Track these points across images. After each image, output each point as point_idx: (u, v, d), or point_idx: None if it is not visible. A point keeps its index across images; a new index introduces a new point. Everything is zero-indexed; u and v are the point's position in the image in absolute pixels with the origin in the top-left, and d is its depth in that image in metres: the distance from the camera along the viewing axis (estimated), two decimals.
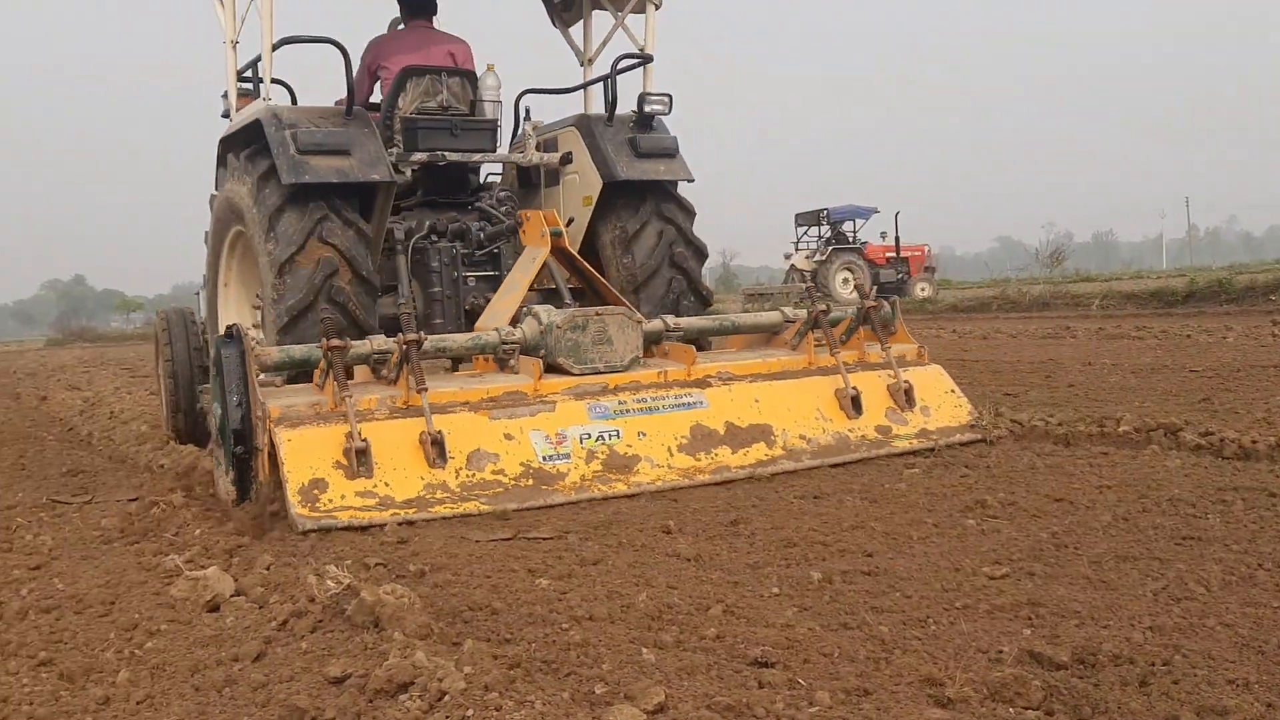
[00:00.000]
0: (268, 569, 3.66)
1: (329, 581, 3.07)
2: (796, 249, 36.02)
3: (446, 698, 2.31)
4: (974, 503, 4.20)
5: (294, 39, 6.16)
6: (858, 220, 35.75)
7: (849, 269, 34.57)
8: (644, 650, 2.68)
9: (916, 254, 36.01)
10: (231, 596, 3.40)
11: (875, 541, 3.72)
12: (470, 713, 2.25)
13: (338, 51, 6.17)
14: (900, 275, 35.35)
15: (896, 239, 35.48)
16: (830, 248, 34.73)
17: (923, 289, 34.88)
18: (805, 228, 36.07)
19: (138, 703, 2.61)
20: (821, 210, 35.59)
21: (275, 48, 6.06)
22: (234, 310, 6.73)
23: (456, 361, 6.44)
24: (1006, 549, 3.52)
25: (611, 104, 6.94)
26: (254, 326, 5.42)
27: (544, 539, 4.08)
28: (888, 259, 35.29)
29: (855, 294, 32.06)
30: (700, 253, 7.00)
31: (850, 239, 35.47)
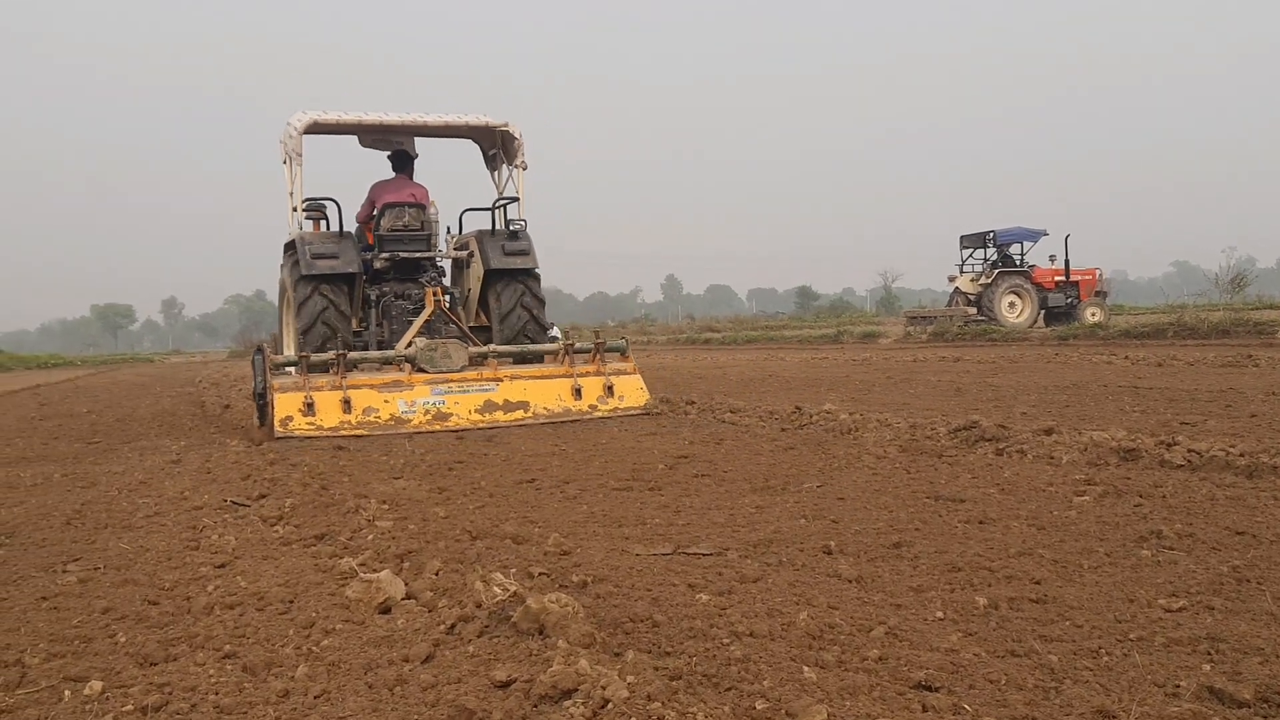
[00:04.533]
0: (437, 574, 3.77)
1: (495, 589, 3.14)
2: (961, 271, 35.29)
3: (610, 705, 2.34)
4: (1149, 533, 4.05)
5: (311, 199, 11.64)
6: (1025, 243, 34.80)
7: (1015, 293, 33.74)
8: (805, 669, 2.67)
9: (1087, 278, 34.85)
10: (402, 600, 3.51)
11: (1044, 569, 3.62)
12: None
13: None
14: (1069, 300, 34.32)
15: (1066, 262, 34.43)
16: (996, 270, 33.91)
17: (1093, 314, 33.74)
18: (970, 250, 35.32)
19: (315, 697, 2.72)
20: (988, 232, 34.81)
21: (299, 205, 11.34)
22: (289, 335, 12.08)
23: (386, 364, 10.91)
24: (1184, 581, 3.39)
25: (494, 224, 12.27)
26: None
27: (704, 555, 4.09)
28: (1056, 283, 34.29)
29: (1021, 318, 31.14)
30: (540, 312, 11.93)
31: (1017, 262, 34.56)
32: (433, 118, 11.67)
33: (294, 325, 11.27)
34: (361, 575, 3.57)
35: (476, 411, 10.05)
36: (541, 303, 11.90)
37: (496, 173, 12.54)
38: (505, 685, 2.65)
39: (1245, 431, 7.00)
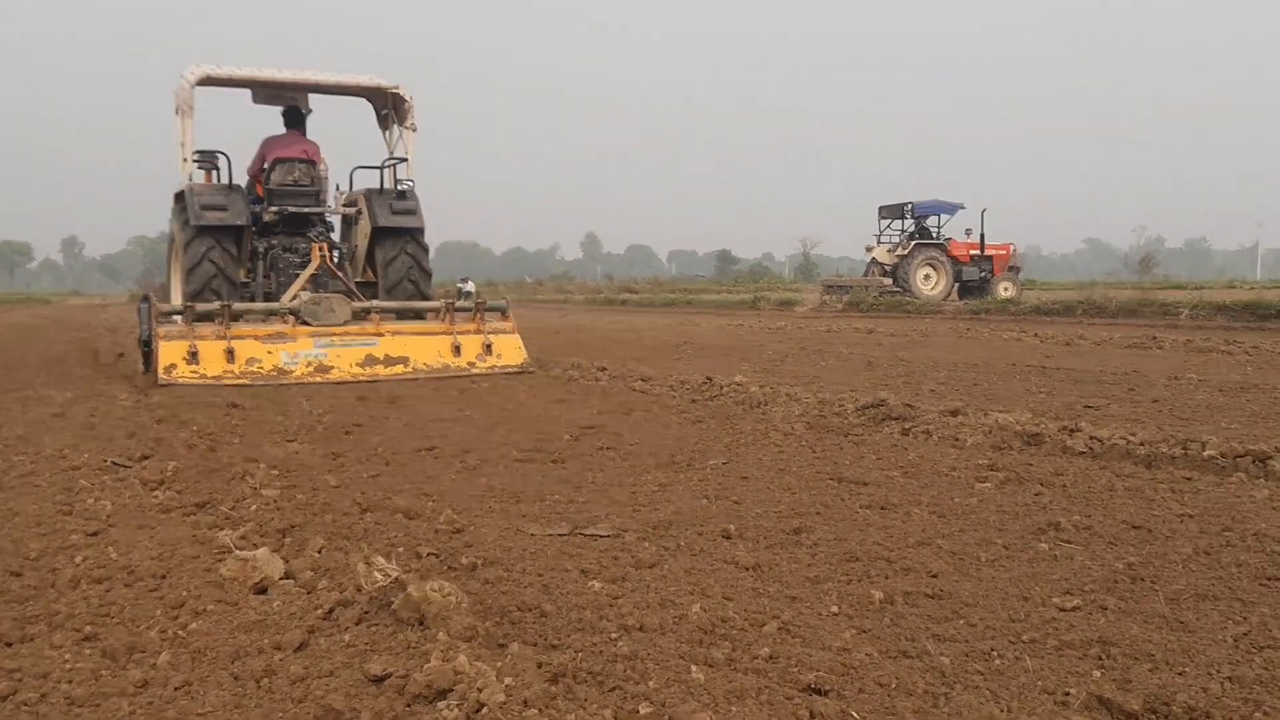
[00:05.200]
0: (319, 552, 3.62)
1: (377, 574, 3.01)
2: (879, 242, 35.56)
3: (485, 710, 2.22)
4: (1047, 524, 4.03)
5: (201, 152, 11.78)
6: (942, 216, 35.20)
7: (931, 265, 34.11)
8: (693, 668, 2.57)
9: (1001, 253, 35.36)
10: (280, 579, 3.36)
11: (941, 561, 3.57)
12: None
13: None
14: (983, 274, 34.79)
15: (982, 236, 34.89)
16: (913, 243, 34.23)
17: (1006, 289, 34.26)
18: (888, 221, 35.62)
19: (175, 689, 2.56)
20: (906, 204, 35.12)
21: (189, 156, 11.54)
22: (176, 284, 12.01)
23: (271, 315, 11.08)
24: (1079, 578, 3.36)
25: (382, 182, 12.52)
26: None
27: (601, 536, 3.99)
28: (971, 257, 34.74)
29: (936, 291, 31.48)
30: (425, 268, 12.34)
31: (934, 235, 34.91)
32: (326, 76, 12.04)
33: (181, 275, 11.44)
34: (238, 553, 3.40)
35: (358, 365, 10.37)
36: (426, 269, 12.36)
37: (388, 132, 12.83)
38: (379, 680, 2.53)
39: (1146, 417, 7.07)
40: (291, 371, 10.07)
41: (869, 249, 35.67)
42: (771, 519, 4.23)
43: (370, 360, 10.46)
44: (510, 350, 11.16)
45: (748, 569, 3.53)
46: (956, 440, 6.09)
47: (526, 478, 5.25)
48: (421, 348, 10.78)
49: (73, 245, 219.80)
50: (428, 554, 3.65)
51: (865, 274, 35.89)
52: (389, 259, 12.13)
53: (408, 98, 12.30)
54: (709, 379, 9.01)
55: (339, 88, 12.31)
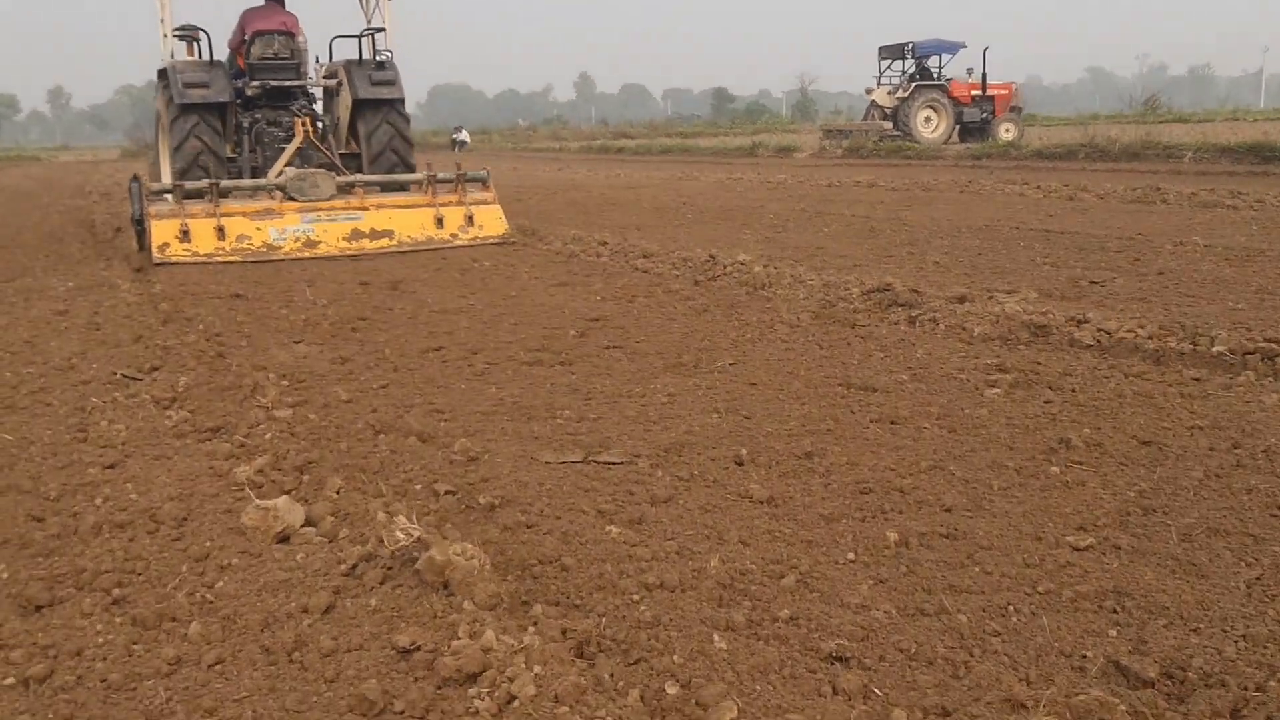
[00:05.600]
0: (338, 493, 3.64)
1: (399, 533, 3.03)
2: (879, 84, 34.91)
3: (515, 703, 2.27)
4: (1058, 442, 4.05)
5: (181, 27, 12.01)
6: (944, 55, 34.45)
7: (931, 107, 33.56)
8: (715, 635, 2.62)
9: (1003, 92, 34.72)
10: (301, 527, 3.39)
11: (954, 491, 3.60)
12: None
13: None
14: (985, 114, 34.23)
15: (984, 76, 34.21)
16: (914, 84, 33.61)
17: (1007, 130, 33.77)
18: (889, 61, 34.87)
19: (208, 667, 2.61)
20: (906, 44, 34.32)
21: (170, 32, 11.80)
22: (165, 162, 12.05)
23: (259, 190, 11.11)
24: (1091, 511, 3.40)
25: (360, 53, 12.67)
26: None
27: (614, 464, 4.01)
28: (973, 97, 34.12)
29: (936, 134, 31.06)
30: (406, 138, 12.48)
31: (935, 75, 34.25)
32: None
33: (169, 152, 11.71)
34: (258, 502, 3.42)
35: (344, 239, 10.72)
36: (408, 141, 12.60)
37: (365, 2, 12.96)
38: (408, 653, 2.57)
39: (1153, 294, 7.06)
40: (280, 247, 10.42)
41: (868, 91, 35.06)
42: (782, 439, 4.25)
43: (356, 234, 10.79)
44: (491, 221, 11.41)
45: (762, 503, 3.56)
46: (964, 330, 6.09)
47: (535, 386, 5.26)
48: (406, 220, 11.06)
49: (59, 96, 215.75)
50: (445, 492, 3.69)
51: (865, 117, 35.34)
52: (371, 130, 12.27)
53: None
54: (712, 256, 8.95)
55: None
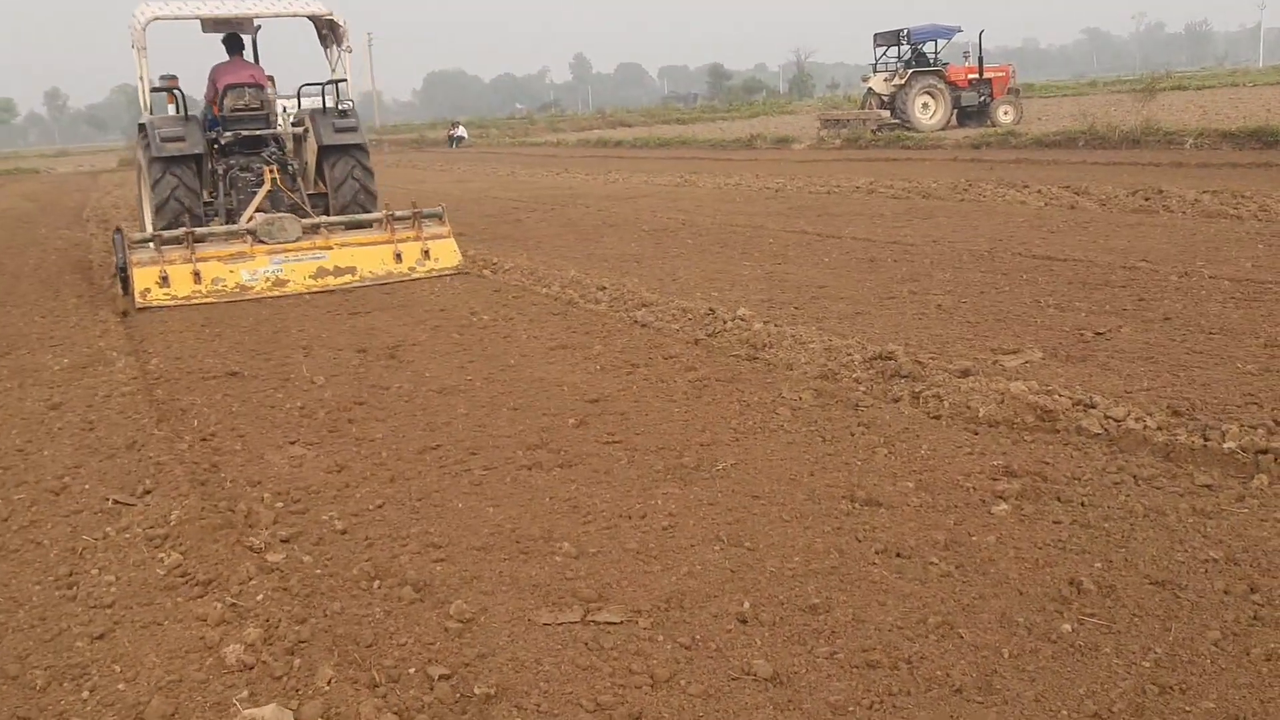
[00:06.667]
0: (329, 684, 3.54)
1: None
2: (875, 71, 34.69)
3: None
4: (1069, 584, 3.94)
5: (156, 88, 13.01)
6: (940, 40, 34.24)
7: (929, 93, 33.39)
8: None
9: (1000, 75, 34.59)
10: None
11: (964, 663, 3.49)
12: None
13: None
14: (982, 98, 34.10)
15: (980, 59, 34.07)
16: (910, 70, 33.39)
17: (1006, 112, 33.64)
18: (884, 48, 34.66)
19: None
20: (901, 30, 34.09)
21: (151, 90, 12.86)
22: (147, 208, 12.87)
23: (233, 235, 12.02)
24: (1105, 691, 3.29)
25: (324, 102, 13.50)
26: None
27: (613, 624, 3.91)
28: (970, 81, 33.97)
29: (935, 120, 30.83)
30: (371, 190, 13.39)
31: (931, 60, 34.02)
32: (263, 6, 13.07)
33: (150, 199, 12.71)
34: (246, 713, 3.33)
35: (310, 277, 11.74)
36: (370, 173, 13.49)
37: (328, 51, 13.88)
38: None
39: (1159, 350, 6.97)
40: (252, 287, 11.49)
41: (865, 79, 34.90)
42: (787, 584, 4.14)
43: (321, 272, 11.79)
44: (446, 254, 12.43)
45: (767, 683, 3.46)
46: (968, 411, 5.97)
47: (534, 502, 5.16)
48: (366, 257, 12.04)
49: (56, 97, 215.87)
50: (440, 677, 3.59)
51: (863, 105, 35.15)
52: (338, 182, 13.33)
53: (341, 22, 13.38)
54: (711, 311, 8.83)
55: (276, 16, 13.28)
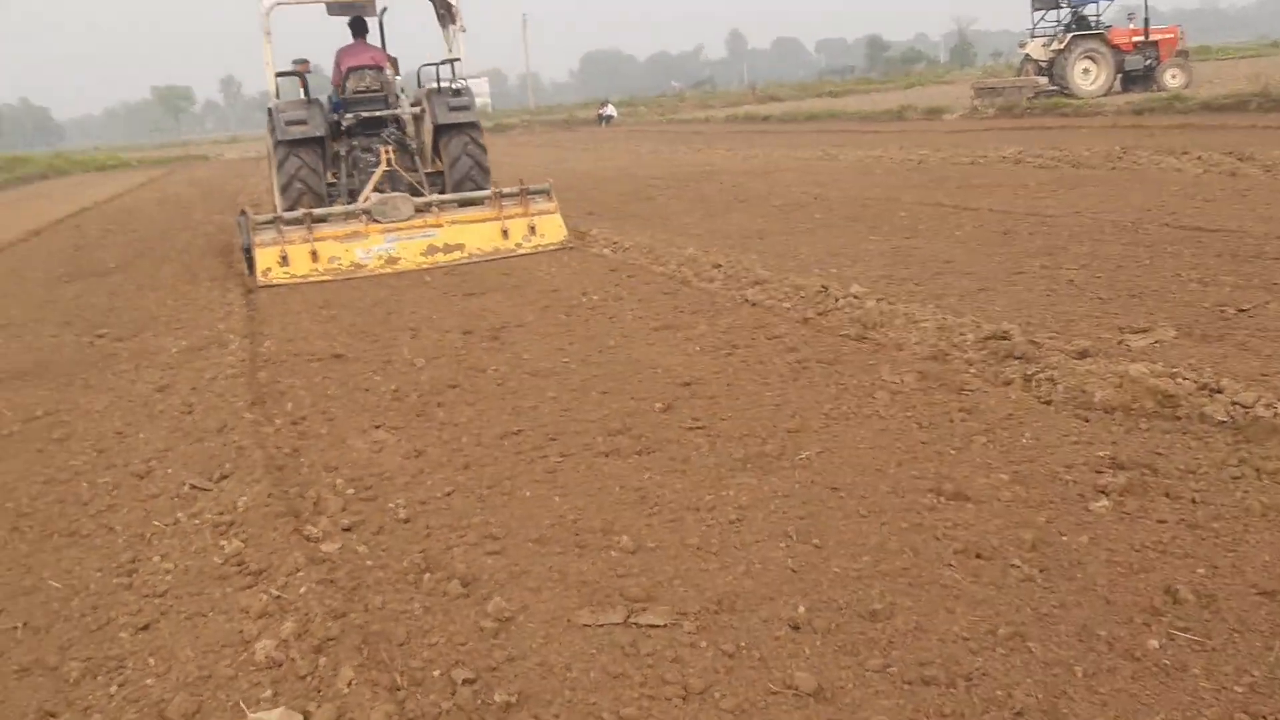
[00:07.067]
0: (349, 687, 3.38)
1: None
2: (1032, 36, 33.32)
3: None
4: (1163, 593, 3.52)
5: (283, 72, 13.48)
6: (1101, 2, 32.63)
7: (1090, 57, 31.93)
8: None
9: (1168, 36, 32.81)
10: None
11: (1029, 682, 3.13)
12: None
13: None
14: (1149, 61, 32.45)
15: (1145, 20, 32.39)
16: (1070, 34, 31.94)
17: (1173, 76, 31.91)
18: (1042, 12, 33.23)
19: None
20: None
21: (277, 75, 13.35)
22: (276, 187, 13.43)
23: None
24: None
25: (438, 80, 13.79)
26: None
27: (655, 628, 3.66)
28: (1135, 44, 32.32)
29: (1096, 85, 29.47)
30: (484, 167, 13.59)
31: (1092, 23, 32.47)
32: None
33: (276, 180, 13.35)
34: (252, 716, 3.19)
35: (421, 254, 12.11)
36: (483, 149, 13.74)
37: (445, 31, 14.26)
38: None
39: None
40: (366, 265, 11.91)
41: (1022, 45, 33.54)
42: (849, 586, 3.81)
43: (432, 249, 12.15)
44: (552, 229, 12.65)
45: (808, 697, 3.16)
46: (1083, 396, 5.50)
47: (603, 492, 4.93)
48: (475, 234, 12.37)
49: (230, 84, 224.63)
50: (463, 681, 3.39)
51: (1020, 72, 33.82)
52: (451, 151, 13.58)
53: (454, 2, 13.69)
54: (824, 288, 8.44)
55: None
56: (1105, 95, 30.89)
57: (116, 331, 9.94)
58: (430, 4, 14.15)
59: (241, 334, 9.29)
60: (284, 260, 11.78)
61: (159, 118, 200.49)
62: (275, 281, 11.63)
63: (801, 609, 3.68)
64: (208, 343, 9.04)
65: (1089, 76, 31.83)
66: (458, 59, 13.90)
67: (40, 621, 4.18)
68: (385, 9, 14.35)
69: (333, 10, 14.08)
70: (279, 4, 13.07)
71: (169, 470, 5.79)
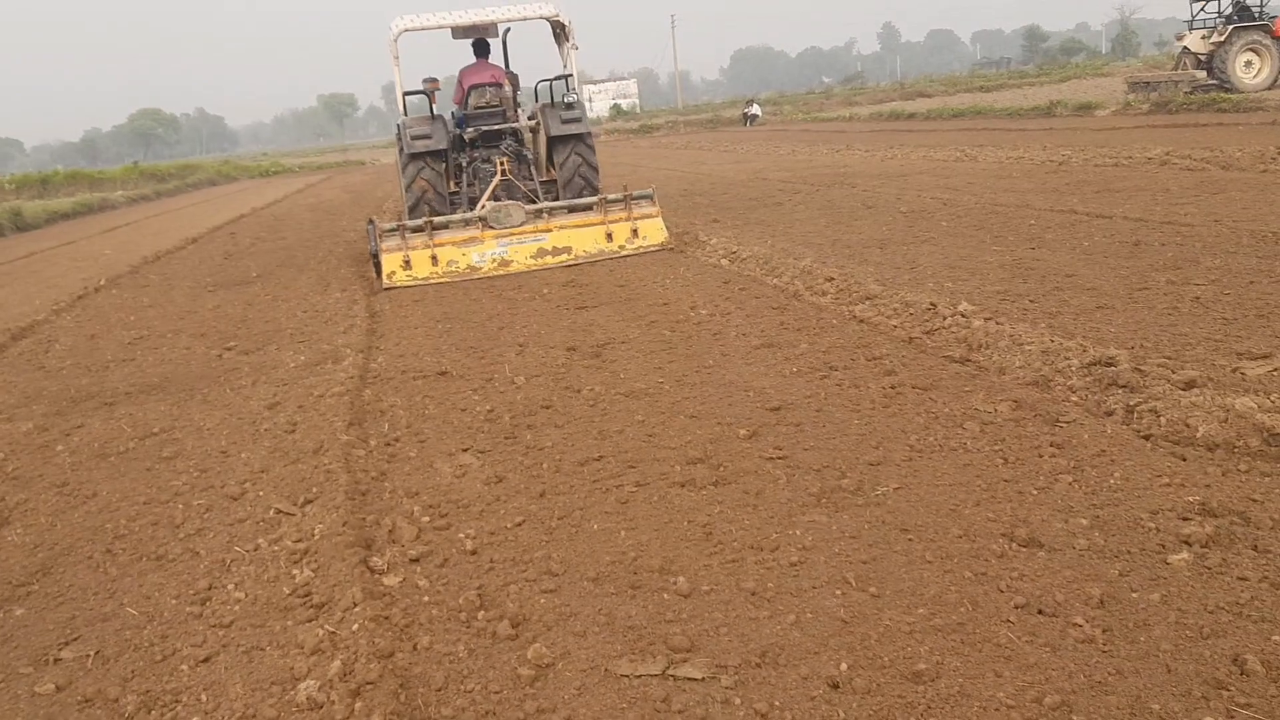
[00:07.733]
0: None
1: None
2: (1191, 29, 31.89)
3: None
4: (1231, 663, 3.29)
5: (410, 91, 14.61)
6: None
7: (1253, 49, 30.37)
8: None
9: None
10: None
11: None
12: None
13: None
14: None
15: None
16: (1230, 26, 30.46)
17: None
18: (1201, 3, 31.77)
19: None
20: None
21: (405, 94, 14.61)
22: (404, 196, 14.82)
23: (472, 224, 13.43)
24: None
25: (551, 95, 15.01)
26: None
27: (693, 681, 3.58)
28: None
29: (1260, 79, 28.08)
30: (592, 164, 14.63)
31: (1256, 14, 30.90)
32: (499, 13, 14.49)
33: (404, 189, 14.62)
34: None
35: (531, 257, 13.14)
36: (592, 152, 14.81)
37: (560, 49, 15.22)
38: None
39: None
40: (480, 268, 13.00)
41: (1179, 37, 32.12)
42: (899, 641, 3.67)
43: (541, 252, 13.17)
44: (653, 232, 13.59)
45: None
46: (1186, 430, 5.20)
47: (670, 525, 4.87)
48: (581, 237, 13.29)
49: (391, 91, 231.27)
50: None
51: (1177, 65, 32.40)
52: (563, 160, 14.66)
53: (567, 22, 14.66)
54: (933, 305, 8.20)
55: (510, 20, 14.63)
56: (1269, 89, 29.38)
57: (244, 344, 10.27)
58: (548, 25, 15.04)
59: (358, 349, 9.48)
60: (407, 264, 12.86)
61: (324, 123, 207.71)
62: (399, 284, 12.70)
63: (844, 666, 3.56)
64: (324, 358, 9.26)
65: (1251, 70, 30.29)
66: (570, 74, 14.92)
67: (111, 650, 4.32)
68: (509, 29, 15.74)
69: (457, 34, 15.37)
70: (405, 31, 14.12)
71: (260, 493, 5.94)
